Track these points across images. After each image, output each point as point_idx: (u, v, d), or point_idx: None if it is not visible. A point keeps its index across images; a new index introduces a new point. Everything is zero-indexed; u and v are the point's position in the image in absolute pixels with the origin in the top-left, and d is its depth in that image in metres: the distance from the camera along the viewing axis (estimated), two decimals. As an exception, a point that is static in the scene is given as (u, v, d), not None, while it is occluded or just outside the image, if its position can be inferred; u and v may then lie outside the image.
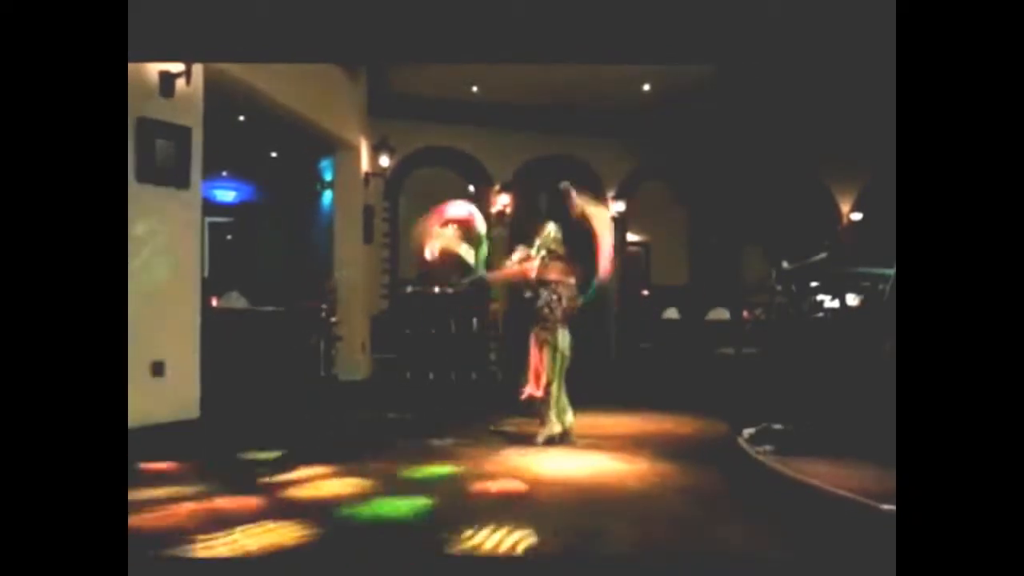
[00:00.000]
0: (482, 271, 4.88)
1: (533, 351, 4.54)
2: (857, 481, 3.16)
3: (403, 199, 10.58)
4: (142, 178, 4.77)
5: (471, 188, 10.84)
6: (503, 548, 2.58)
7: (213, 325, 5.47)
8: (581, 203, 4.66)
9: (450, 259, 4.84)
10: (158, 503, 3.05)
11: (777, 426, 4.22)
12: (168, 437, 4.54)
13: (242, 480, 3.47)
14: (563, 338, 4.53)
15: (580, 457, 4.21)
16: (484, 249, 4.85)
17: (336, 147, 8.45)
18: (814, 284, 4.90)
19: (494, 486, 3.50)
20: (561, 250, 4.60)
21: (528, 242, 4.71)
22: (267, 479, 3.49)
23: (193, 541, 2.56)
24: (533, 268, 4.59)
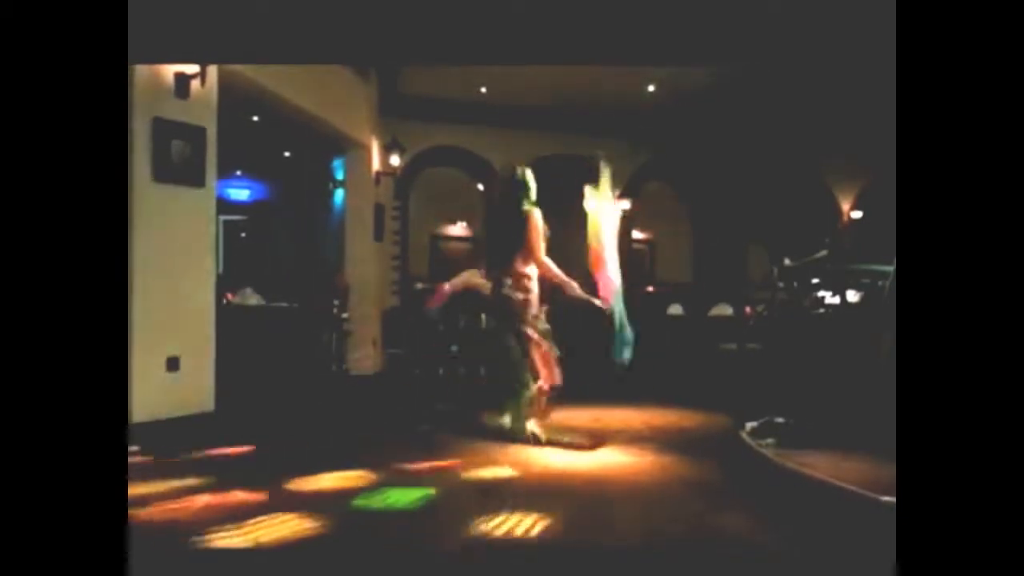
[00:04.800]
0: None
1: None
2: (857, 473, 3.19)
3: (413, 197, 10.69)
4: (158, 177, 4.86)
5: (480, 187, 10.93)
6: (508, 539, 2.64)
7: (227, 321, 5.55)
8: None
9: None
10: (171, 495, 3.12)
11: (779, 420, 4.26)
12: (182, 430, 4.63)
13: (254, 473, 3.55)
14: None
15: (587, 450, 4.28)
16: None
17: (347, 147, 8.50)
18: (815, 281, 4.94)
19: (499, 479, 3.56)
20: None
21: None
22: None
23: (206, 533, 2.61)
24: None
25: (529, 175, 4.72)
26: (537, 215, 4.57)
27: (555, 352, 4.52)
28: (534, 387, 4.44)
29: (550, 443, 4.29)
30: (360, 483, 3.39)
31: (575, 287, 4.58)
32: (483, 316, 4.84)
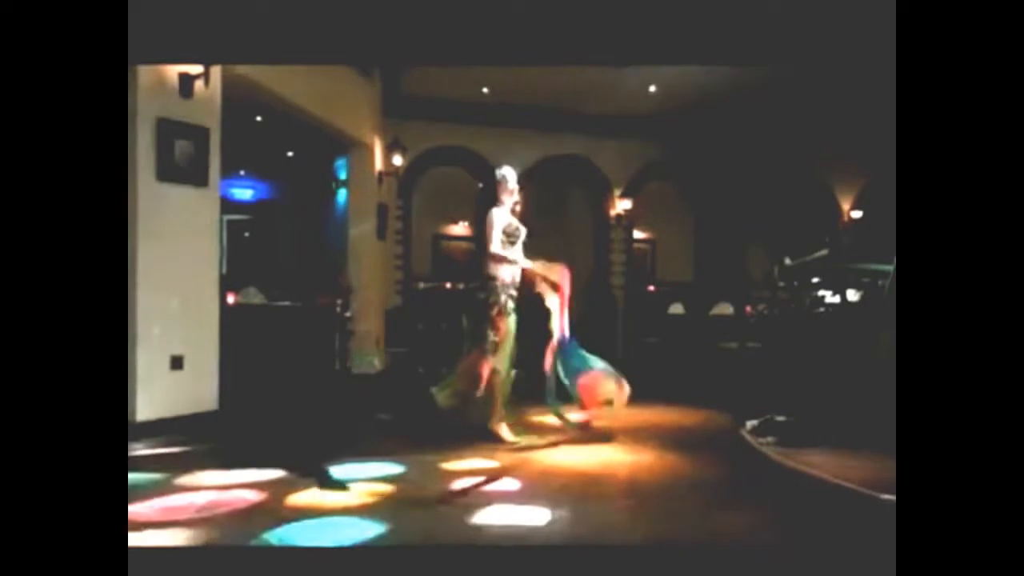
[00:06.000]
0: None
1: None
2: (857, 471, 3.22)
3: (416, 197, 10.72)
4: (162, 177, 4.88)
5: (480, 186, 10.94)
6: (510, 537, 2.68)
7: (231, 320, 5.57)
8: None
9: None
10: (173, 494, 3.16)
11: (779, 418, 4.29)
12: (185, 429, 4.65)
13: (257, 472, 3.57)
14: None
15: (588, 448, 4.28)
16: None
17: (350, 147, 8.52)
18: (815, 280, 4.96)
19: (503, 477, 3.59)
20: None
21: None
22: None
23: (206, 532, 2.65)
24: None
25: (507, 173, 4.70)
26: (495, 213, 4.55)
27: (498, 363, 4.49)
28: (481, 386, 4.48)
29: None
30: (359, 486, 3.41)
31: (532, 266, 4.59)
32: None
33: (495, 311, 4.45)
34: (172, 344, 4.90)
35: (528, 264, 4.61)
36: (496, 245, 4.47)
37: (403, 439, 4.52)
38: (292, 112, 6.94)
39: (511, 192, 4.66)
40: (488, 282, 4.50)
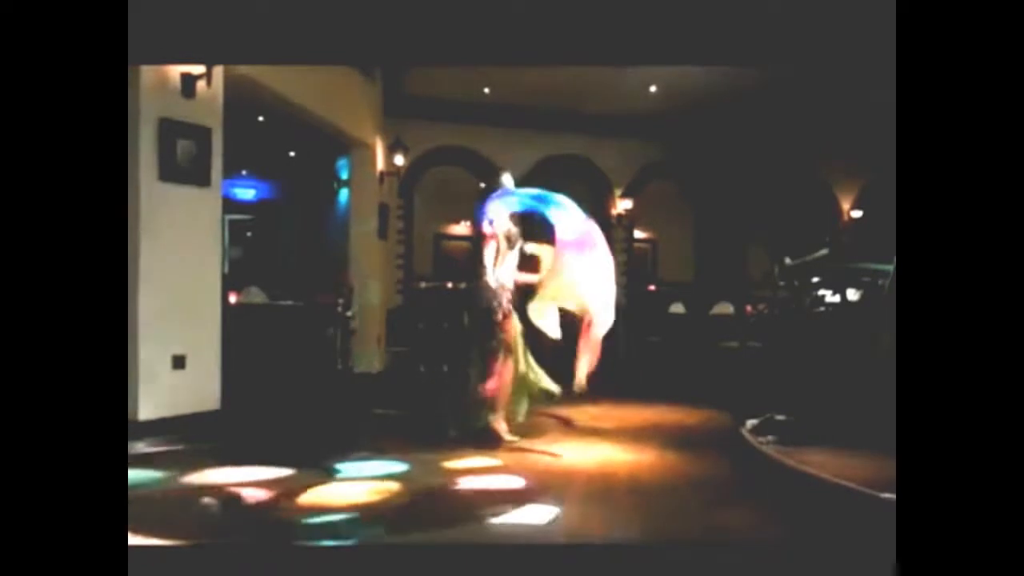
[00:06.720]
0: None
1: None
2: (857, 470, 3.21)
3: (417, 197, 10.73)
4: (164, 177, 4.89)
5: (482, 186, 10.95)
6: (510, 535, 2.69)
7: (233, 320, 5.58)
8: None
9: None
10: (174, 493, 3.16)
11: (779, 417, 4.29)
12: (187, 428, 4.66)
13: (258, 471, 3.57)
14: None
15: (589, 448, 4.29)
16: None
17: (352, 147, 8.52)
18: (816, 279, 4.97)
19: (506, 476, 3.60)
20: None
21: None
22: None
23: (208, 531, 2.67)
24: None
25: (507, 183, 4.74)
26: (496, 227, 4.57)
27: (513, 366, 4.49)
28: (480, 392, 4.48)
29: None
30: (358, 484, 3.42)
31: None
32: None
33: (500, 315, 4.45)
34: (174, 343, 4.91)
35: (519, 277, 4.64)
36: (488, 256, 4.50)
37: (405, 437, 4.53)
38: (294, 112, 6.95)
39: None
40: (483, 292, 4.50)
